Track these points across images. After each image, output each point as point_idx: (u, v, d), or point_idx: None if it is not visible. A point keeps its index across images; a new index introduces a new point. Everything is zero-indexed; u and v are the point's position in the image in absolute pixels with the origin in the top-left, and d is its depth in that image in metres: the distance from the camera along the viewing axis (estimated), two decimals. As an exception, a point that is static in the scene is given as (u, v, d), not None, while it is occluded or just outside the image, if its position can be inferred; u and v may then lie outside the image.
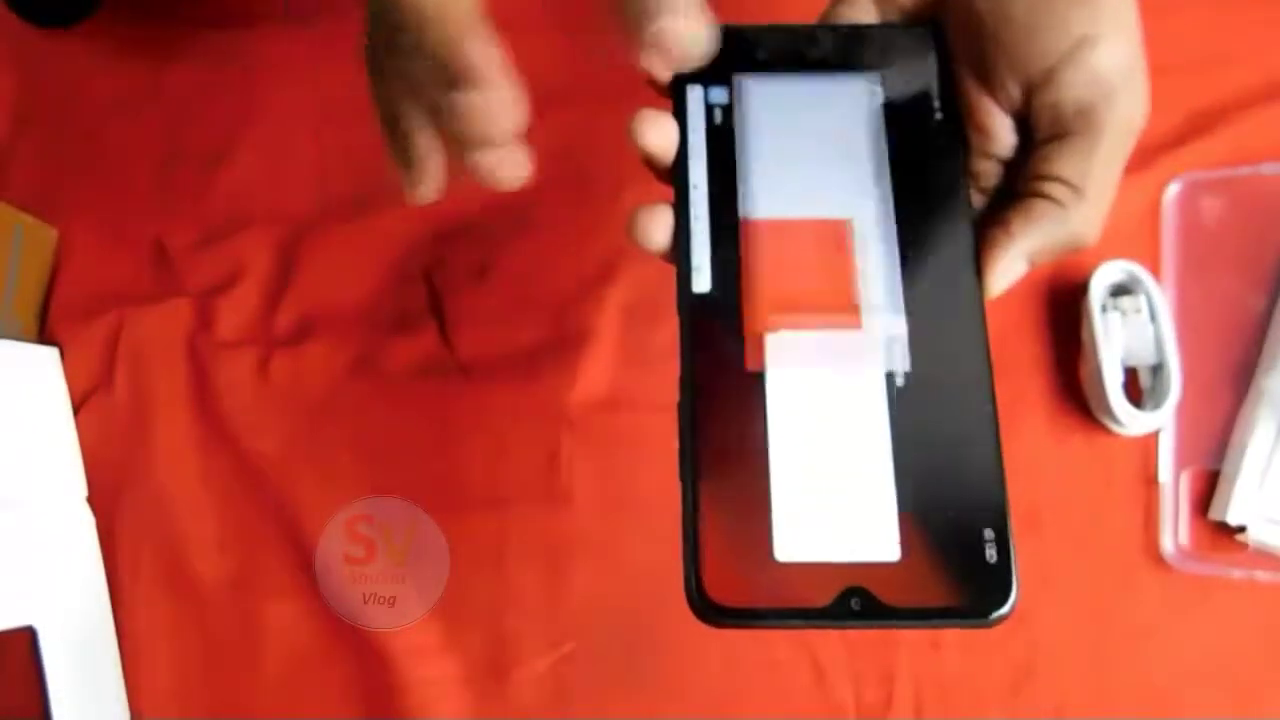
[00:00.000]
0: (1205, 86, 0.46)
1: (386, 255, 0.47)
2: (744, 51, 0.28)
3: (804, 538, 0.23)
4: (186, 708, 0.44)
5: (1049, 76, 0.25)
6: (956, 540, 0.23)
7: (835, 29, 0.29)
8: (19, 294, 0.46)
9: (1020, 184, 0.27)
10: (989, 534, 0.23)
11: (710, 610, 0.22)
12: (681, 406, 0.24)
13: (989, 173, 0.27)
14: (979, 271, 0.26)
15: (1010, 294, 0.46)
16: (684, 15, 0.24)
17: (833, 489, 0.23)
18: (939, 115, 0.27)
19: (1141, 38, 0.26)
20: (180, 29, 0.50)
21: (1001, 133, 0.27)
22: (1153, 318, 0.43)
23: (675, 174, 0.26)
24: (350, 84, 0.49)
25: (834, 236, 0.26)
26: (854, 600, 0.22)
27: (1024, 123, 0.27)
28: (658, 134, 0.26)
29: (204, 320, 0.47)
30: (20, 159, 0.49)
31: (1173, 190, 0.45)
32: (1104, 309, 0.43)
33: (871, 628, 0.23)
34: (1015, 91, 0.26)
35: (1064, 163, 0.26)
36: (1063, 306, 0.45)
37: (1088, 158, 0.25)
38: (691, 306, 0.25)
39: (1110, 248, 0.44)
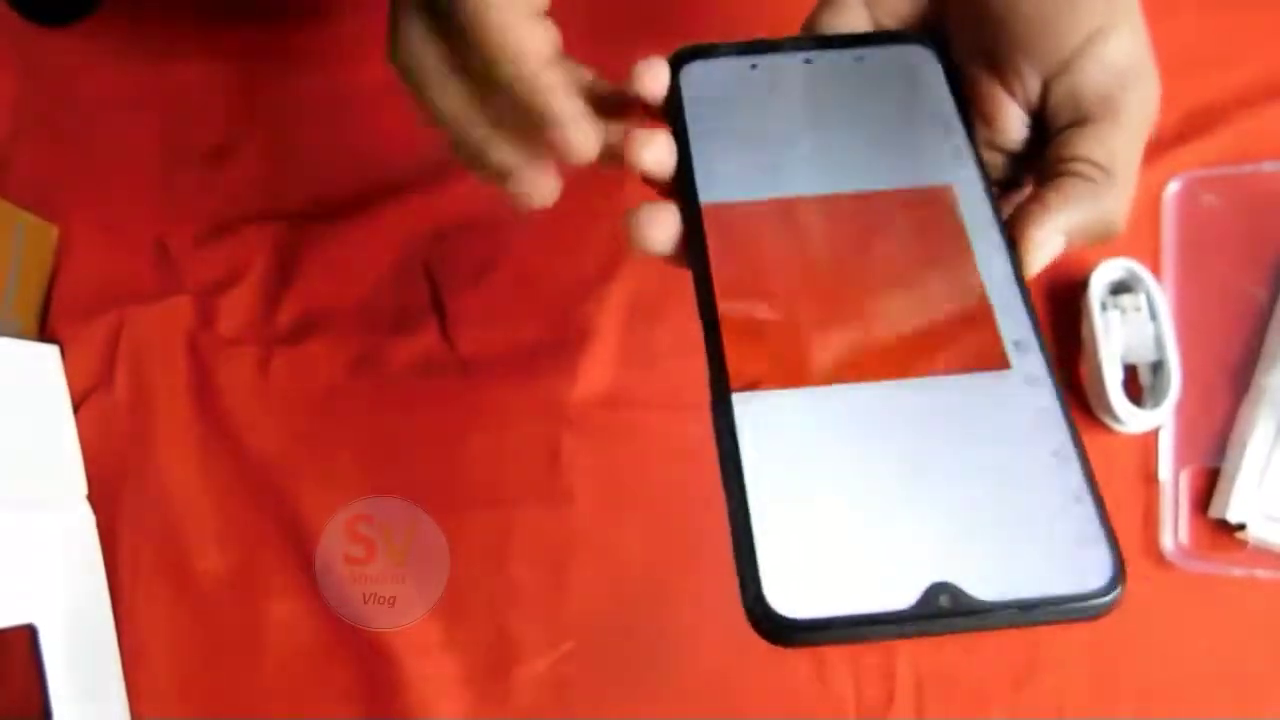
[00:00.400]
0: (1206, 85, 0.46)
1: (387, 253, 0.47)
2: (744, 63, 0.28)
3: (881, 533, 0.20)
4: (187, 705, 0.44)
5: (1066, 67, 0.26)
6: (1047, 524, 0.20)
7: (830, 38, 0.29)
8: (20, 292, 0.46)
9: (1047, 168, 0.27)
10: (1081, 513, 0.21)
11: (780, 627, 0.19)
12: (716, 415, 0.22)
13: (996, 164, 0.28)
14: (1015, 251, 0.25)
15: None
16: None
17: (905, 479, 0.21)
18: (945, 113, 0.27)
19: (1146, 26, 0.26)
20: (181, 27, 0.50)
21: (1012, 124, 0.27)
22: (1153, 315, 0.43)
23: (682, 184, 0.26)
24: (352, 81, 0.49)
25: None
26: (943, 597, 0.19)
27: (1036, 115, 0.27)
28: (653, 152, 0.26)
29: (205, 318, 0.47)
30: (21, 157, 0.49)
31: (1173, 188, 0.45)
32: (1104, 307, 0.43)
33: (966, 630, 0.20)
34: (1033, 82, 0.26)
35: (1090, 145, 0.26)
36: (1062, 304, 0.45)
37: (1112, 141, 0.26)
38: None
39: (1110, 245, 0.44)
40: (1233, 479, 0.42)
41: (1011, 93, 0.27)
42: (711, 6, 0.46)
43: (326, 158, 0.49)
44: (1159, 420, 0.43)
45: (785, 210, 0.25)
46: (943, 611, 0.19)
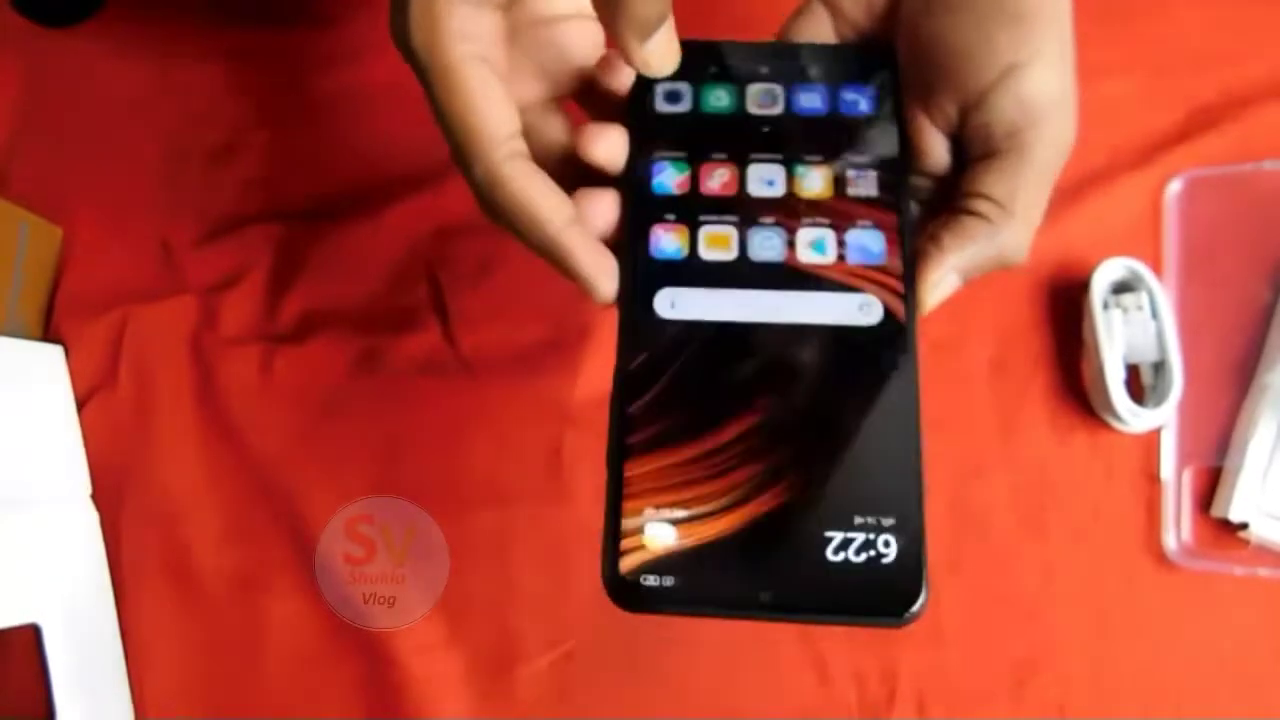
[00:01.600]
0: (1206, 84, 0.46)
1: (389, 253, 0.47)
2: (706, 65, 0.29)
3: (720, 527, 0.23)
4: (190, 704, 0.44)
5: (981, 99, 0.26)
6: (869, 539, 0.23)
7: (797, 46, 0.30)
8: (24, 292, 0.46)
9: (952, 201, 0.27)
10: (901, 533, 0.23)
11: (622, 591, 0.23)
12: (612, 399, 0.25)
13: (922, 187, 0.28)
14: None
15: (1012, 292, 0.46)
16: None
17: (750, 482, 0.24)
18: (890, 130, 0.28)
19: (1074, 64, 0.26)
20: (184, 28, 0.50)
21: (936, 151, 0.28)
22: (1154, 315, 0.43)
23: (626, 180, 0.27)
24: (354, 82, 0.49)
25: None
26: (764, 594, 0.23)
27: (957, 142, 0.28)
28: (605, 147, 0.27)
29: (207, 318, 0.47)
30: (25, 157, 0.49)
31: (1174, 187, 0.45)
32: (1106, 306, 0.43)
33: (780, 621, 0.23)
34: (951, 111, 0.27)
35: (992, 181, 0.26)
36: (1064, 304, 0.45)
37: (1015, 177, 0.26)
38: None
39: (1112, 245, 0.44)
40: (1235, 478, 0.42)
41: (934, 121, 0.28)
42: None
43: (328, 158, 0.49)
44: (1161, 419, 0.43)
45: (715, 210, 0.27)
46: (761, 605, 0.23)
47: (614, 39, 0.26)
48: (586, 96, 0.29)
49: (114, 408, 0.46)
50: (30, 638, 0.40)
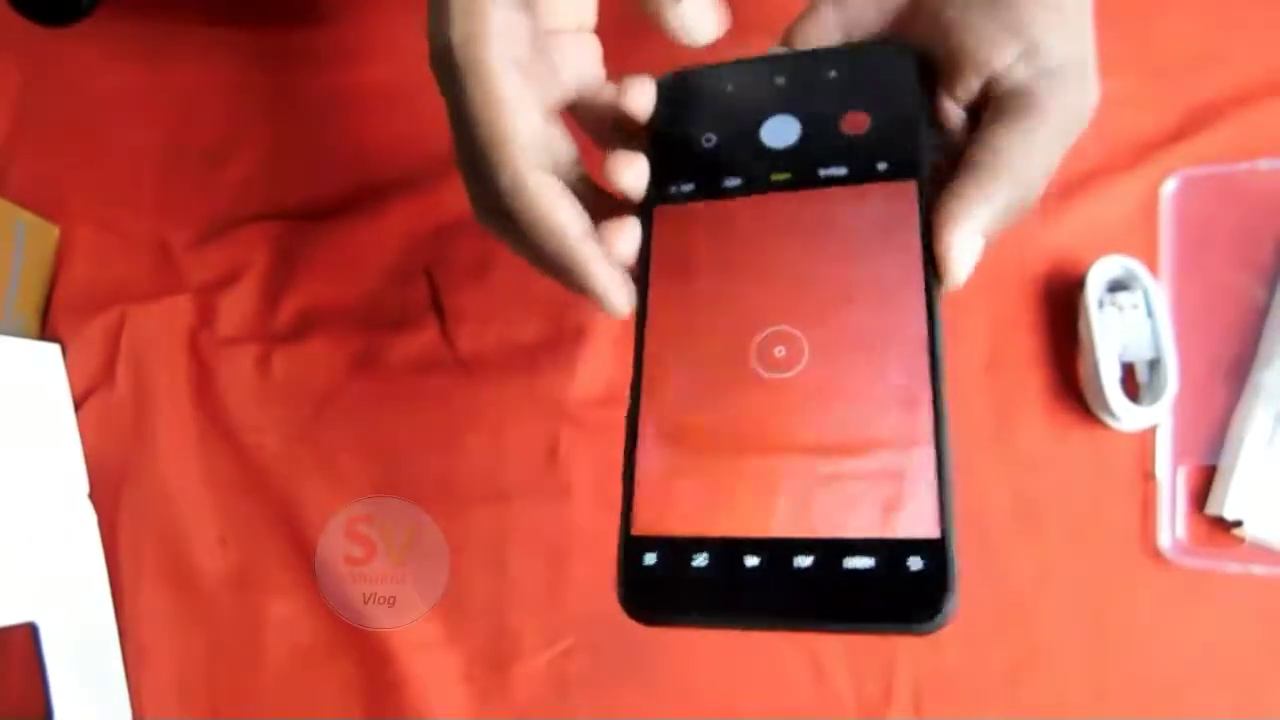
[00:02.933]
0: (1202, 83, 0.46)
1: (387, 252, 0.47)
2: (722, 87, 0.29)
3: (736, 535, 0.23)
4: (188, 703, 0.44)
5: (1006, 71, 0.27)
6: (895, 542, 0.22)
7: (813, 53, 0.29)
8: (21, 291, 0.46)
9: (967, 156, 0.27)
10: (930, 541, 0.22)
11: (639, 607, 0.24)
12: (629, 414, 0.26)
13: (941, 165, 0.28)
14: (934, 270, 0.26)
15: (1007, 289, 0.46)
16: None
17: (775, 497, 0.24)
18: (915, 122, 0.28)
19: (1094, 35, 0.27)
20: (182, 27, 0.50)
21: (954, 122, 0.28)
22: (1150, 313, 0.43)
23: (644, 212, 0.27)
24: (352, 81, 0.49)
25: None
26: (781, 604, 0.23)
27: (973, 111, 0.28)
28: (633, 175, 0.27)
29: (205, 317, 0.47)
30: (22, 156, 0.49)
31: (1170, 186, 0.45)
32: (1101, 304, 0.43)
33: (802, 630, 0.23)
34: (974, 85, 0.27)
35: (1009, 134, 0.26)
36: (1059, 302, 0.45)
37: (1033, 133, 0.26)
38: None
39: (1107, 243, 0.44)
40: (1229, 476, 0.42)
41: (954, 95, 0.28)
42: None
43: (326, 157, 0.49)
44: (1156, 418, 0.43)
45: (731, 217, 0.27)
46: (786, 614, 0.23)
47: (645, 7, 0.26)
48: (574, 112, 0.30)
49: (112, 407, 0.46)
50: (28, 636, 0.40)
